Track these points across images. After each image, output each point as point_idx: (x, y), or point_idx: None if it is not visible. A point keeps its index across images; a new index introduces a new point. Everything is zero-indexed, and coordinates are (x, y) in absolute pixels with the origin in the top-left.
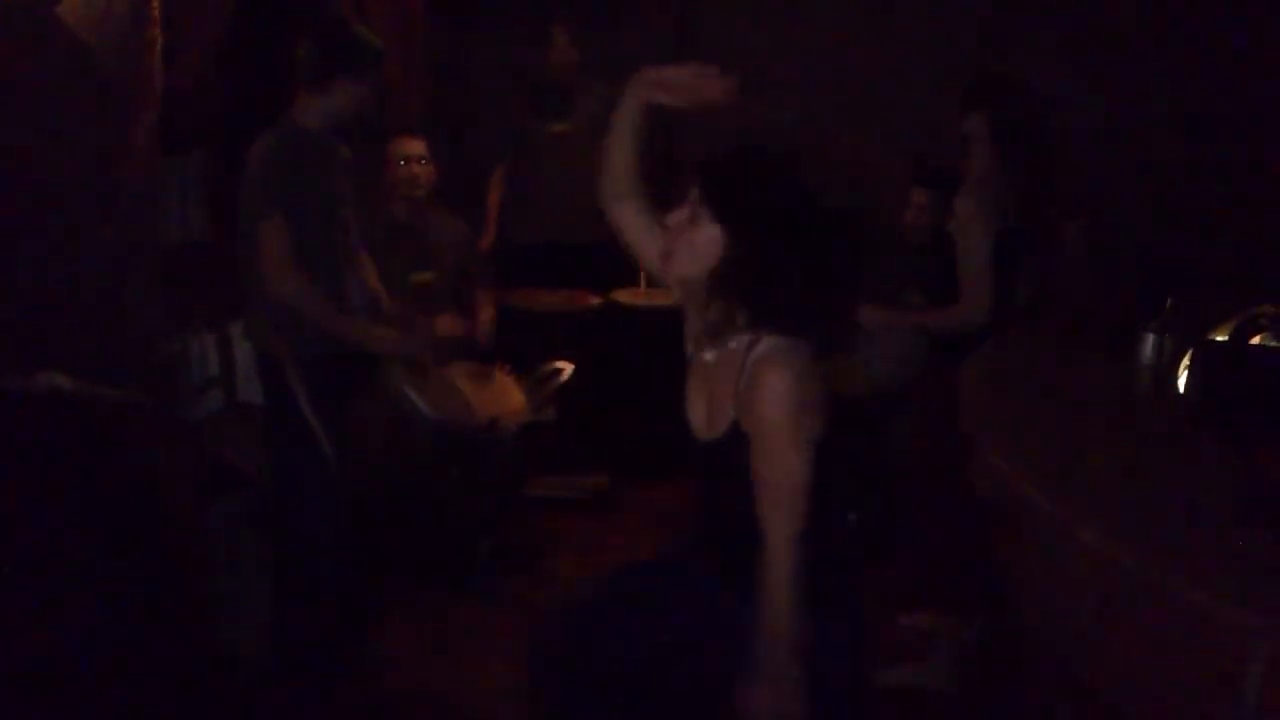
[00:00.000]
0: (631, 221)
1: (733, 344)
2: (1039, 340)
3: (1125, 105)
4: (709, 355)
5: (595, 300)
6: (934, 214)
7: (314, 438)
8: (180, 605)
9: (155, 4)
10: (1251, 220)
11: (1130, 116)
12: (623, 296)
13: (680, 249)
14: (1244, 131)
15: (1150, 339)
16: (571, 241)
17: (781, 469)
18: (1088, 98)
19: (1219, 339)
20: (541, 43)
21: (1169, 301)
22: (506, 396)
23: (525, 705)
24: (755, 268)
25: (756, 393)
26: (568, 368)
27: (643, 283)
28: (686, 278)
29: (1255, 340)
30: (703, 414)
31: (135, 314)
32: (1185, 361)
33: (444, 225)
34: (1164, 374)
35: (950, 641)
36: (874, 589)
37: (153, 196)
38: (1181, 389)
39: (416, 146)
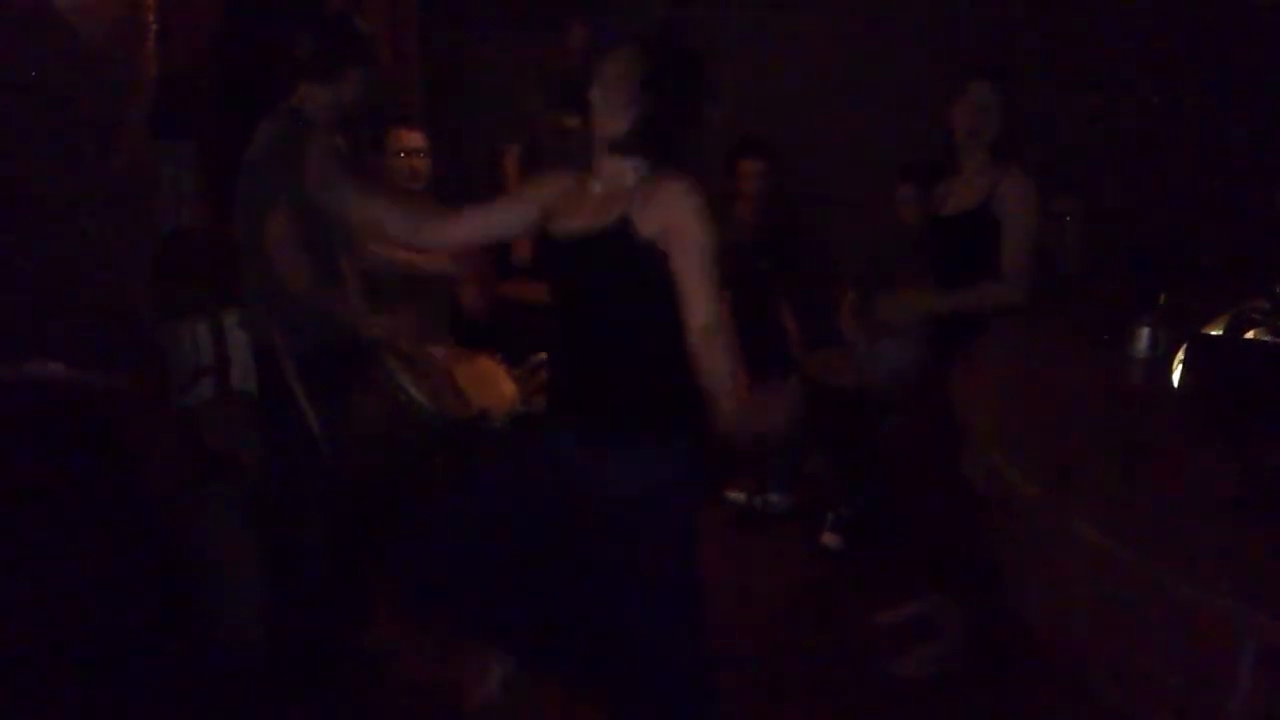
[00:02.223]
0: (498, 230)
1: (617, 177)
2: (1033, 334)
3: (1121, 98)
4: (598, 187)
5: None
6: (922, 206)
7: (309, 427)
8: (172, 595)
9: None
10: (1246, 215)
11: (1125, 109)
12: None
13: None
14: (1240, 126)
15: (1145, 333)
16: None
17: (703, 257)
18: (1084, 90)
19: (1213, 333)
20: (546, 37)
21: (1163, 296)
22: (497, 386)
23: (522, 701)
24: (665, 124)
25: (669, 199)
26: None
27: None
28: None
29: (1249, 334)
30: (577, 224)
31: (128, 302)
32: (1179, 356)
33: None
34: (1158, 368)
35: (952, 624)
36: (865, 578)
37: (146, 184)
38: (1176, 383)
39: (416, 139)
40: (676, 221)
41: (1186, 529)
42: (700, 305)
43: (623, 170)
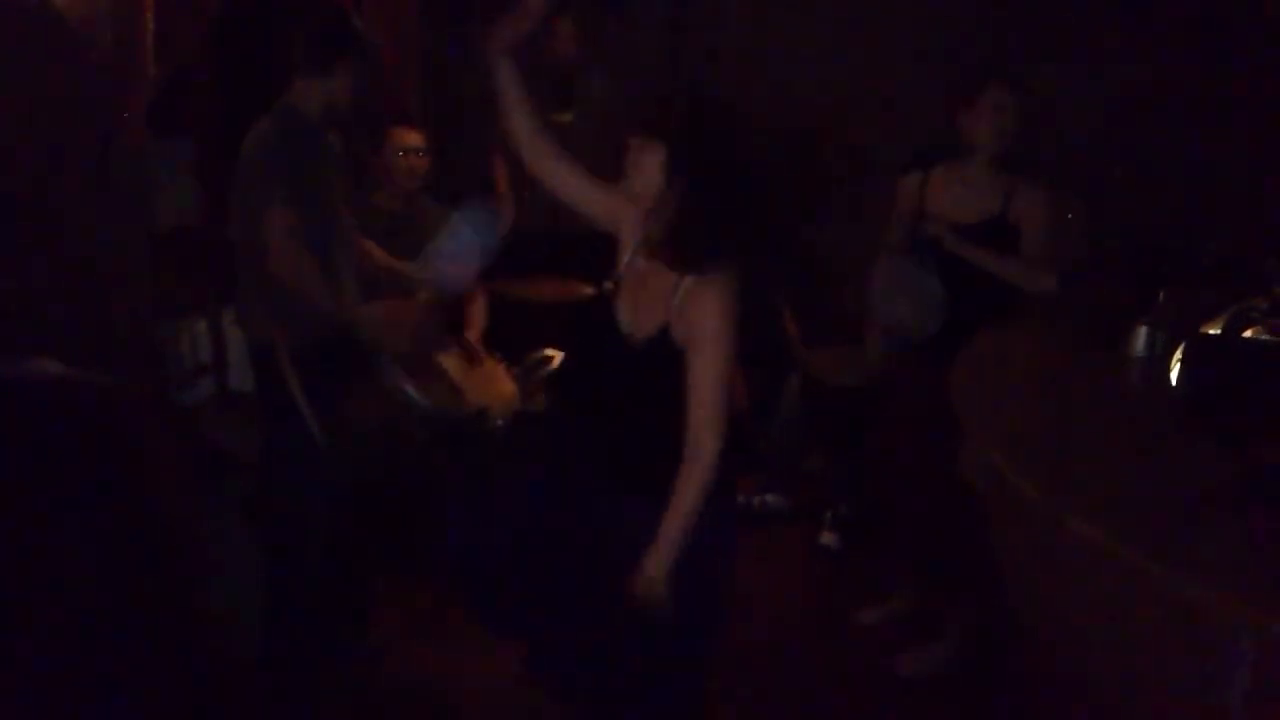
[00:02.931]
0: (566, 178)
1: (665, 280)
2: (1031, 332)
3: (1120, 96)
4: (643, 263)
5: (587, 288)
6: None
7: (306, 425)
8: (170, 593)
9: None
10: (1243, 214)
11: (1124, 108)
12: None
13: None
14: (1238, 125)
15: (1143, 332)
16: (562, 229)
17: (716, 374)
18: (1083, 88)
19: (1211, 332)
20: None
21: (1161, 295)
22: (496, 384)
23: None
24: (702, 222)
25: (699, 306)
26: (558, 356)
27: None
28: (639, 195)
29: (1247, 334)
30: (630, 314)
31: (126, 299)
32: (1177, 355)
33: (433, 216)
34: (1156, 367)
35: (953, 621)
36: (863, 578)
37: (144, 182)
38: (1173, 382)
39: (416, 138)
40: (706, 329)
41: (1185, 527)
42: (705, 405)
43: (662, 274)
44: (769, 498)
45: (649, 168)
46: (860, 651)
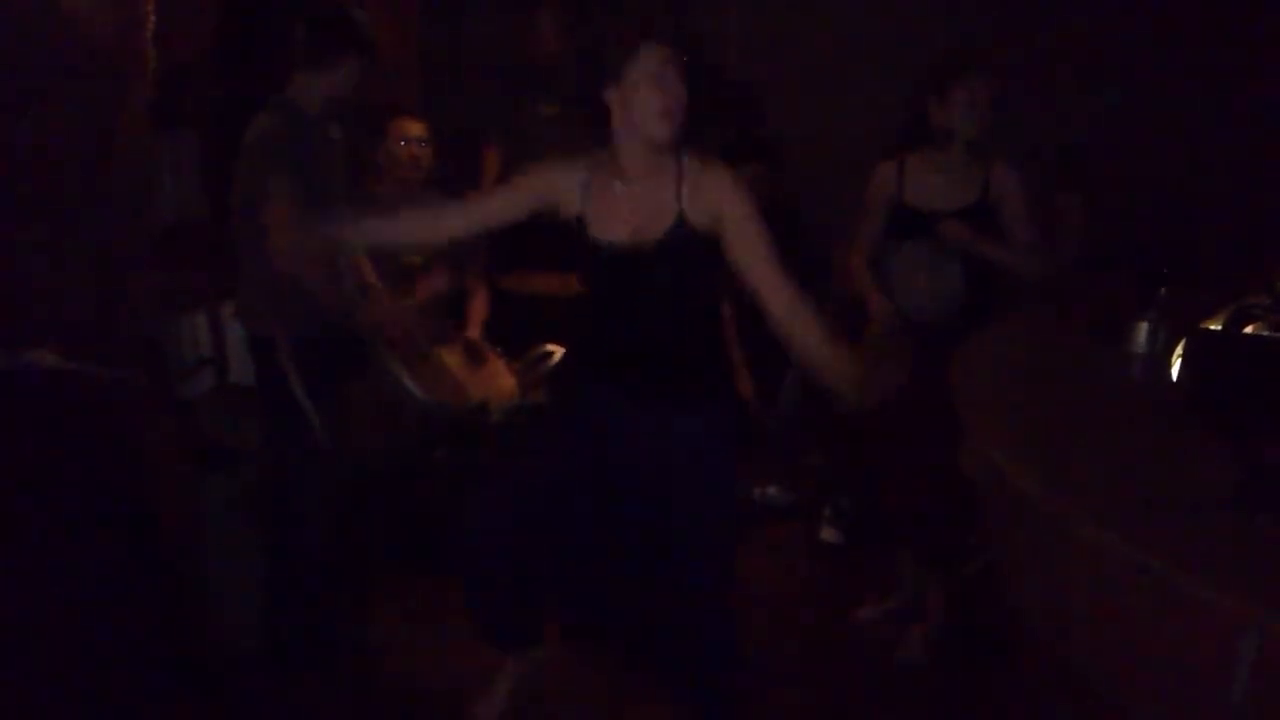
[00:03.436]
0: (484, 220)
1: (652, 165)
2: (1032, 327)
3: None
4: (618, 187)
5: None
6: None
7: (305, 419)
8: (169, 586)
9: None
10: (1245, 209)
11: (1126, 104)
12: None
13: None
14: (1239, 120)
15: (1144, 327)
16: (561, 223)
17: (764, 239)
18: (1085, 86)
19: (1213, 328)
20: (529, 27)
21: (1162, 290)
22: (497, 379)
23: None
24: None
25: (717, 186)
26: (558, 350)
27: None
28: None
29: (1249, 329)
30: (626, 230)
31: (126, 293)
32: (1179, 350)
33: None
34: (1157, 362)
35: (934, 595)
36: (864, 573)
37: (144, 175)
38: (1175, 378)
39: (418, 128)
40: (730, 209)
41: (1186, 525)
42: (777, 285)
43: (664, 165)
44: (770, 491)
45: (671, 78)
46: (860, 647)
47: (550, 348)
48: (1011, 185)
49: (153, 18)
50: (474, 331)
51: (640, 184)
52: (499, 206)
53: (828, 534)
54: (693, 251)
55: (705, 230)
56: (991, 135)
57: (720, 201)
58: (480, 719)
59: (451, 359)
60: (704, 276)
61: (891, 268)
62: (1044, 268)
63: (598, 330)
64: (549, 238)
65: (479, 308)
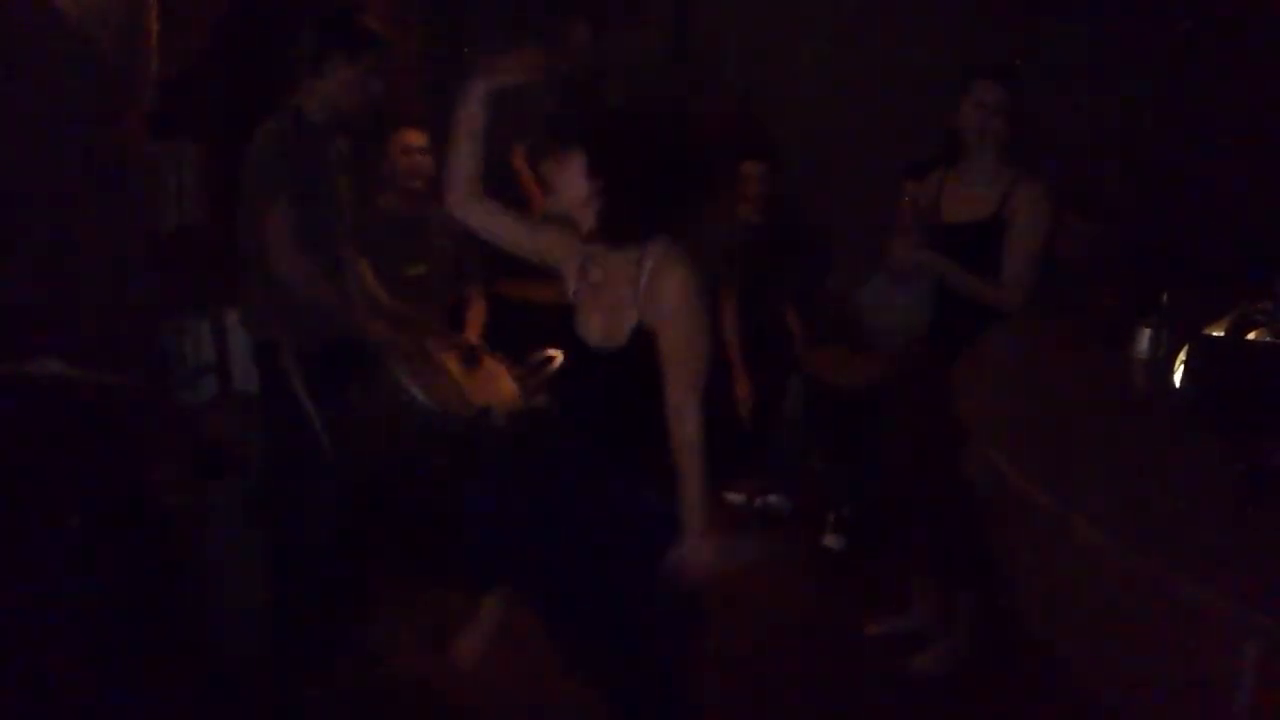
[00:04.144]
0: (489, 217)
1: (620, 258)
2: (1036, 333)
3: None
4: (596, 274)
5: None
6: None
7: (309, 425)
8: (172, 591)
9: None
10: (1248, 215)
11: (1128, 109)
12: None
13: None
14: (1242, 126)
15: (1147, 333)
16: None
17: (692, 348)
18: (1087, 90)
19: (1215, 334)
20: (548, 36)
21: (1165, 296)
22: (497, 384)
23: (521, 697)
24: (635, 198)
25: (664, 286)
26: (559, 356)
27: None
28: (563, 213)
29: (1251, 335)
30: (599, 328)
31: (130, 299)
32: (1181, 356)
33: (438, 218)
34: (1160, 369)
35: (960, 616)
36: (866, 579)
37: (148, 183)
38: (1177, 384)
39: (419, 138)
40: (674, 312)
41: (1187, 530)
42: (681, 382)
43: (620, 260)
44: (772, 499)
45: (573, 175)
46: (863, 653)
47: (551, 352)
48: (1025, 206)
49: (156, 25)
50: (473, 336)
51: (606, 278)
52: (508, 227)
53: (830, 540)
54: (648, 356)
55: (653, 329)
56: (1017, 146)
57: (668, 303)
58: (462, 652)
59: (453, 365)
60: (657, 370)
61: (862, 299)
62: (1015, 304)
63: (563, 411)
64: None
65: (477, 313)
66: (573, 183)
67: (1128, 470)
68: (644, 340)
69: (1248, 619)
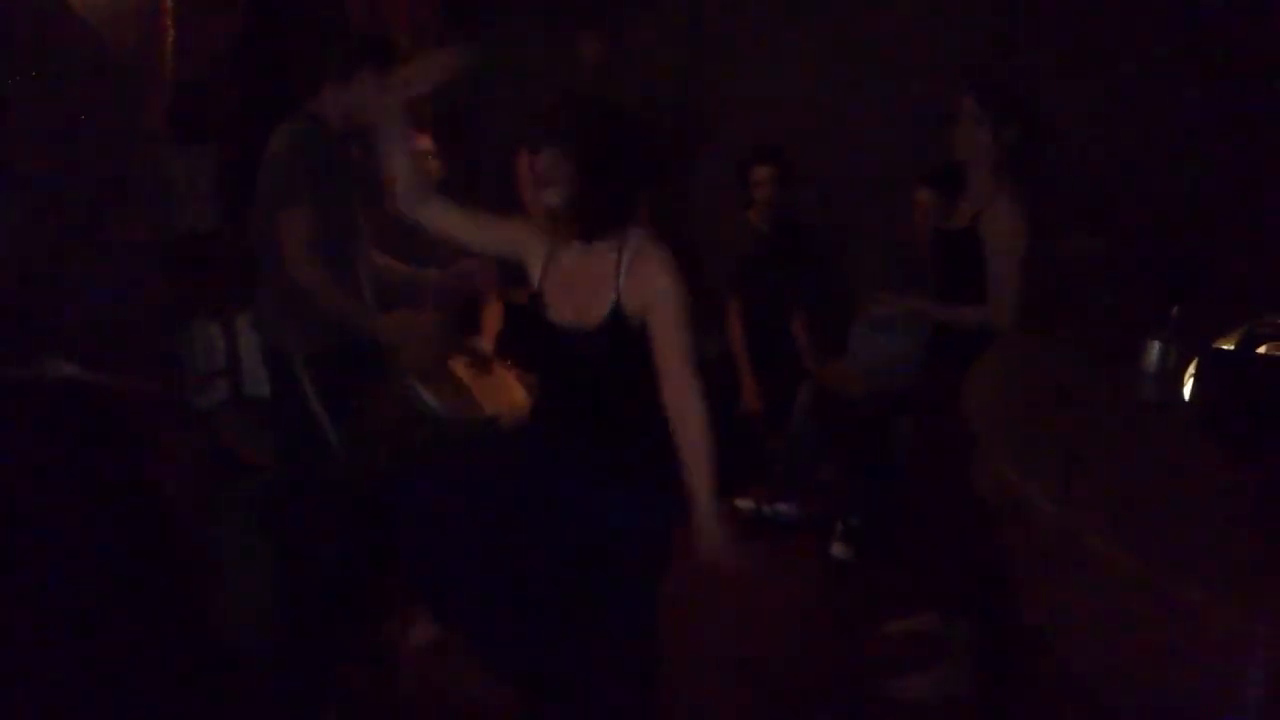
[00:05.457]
0: (441, 216)
1: (596, 247)
2: (1045, 346)
3: (1132, 112)
4: (569, 264)
5: None
6: (939, 215)
7: (320, 430)
8: (182, 594)
9: None
10: (1259, 229)
11: (1137, 124)
12: None
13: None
14: (1252, 140)
15: (1156, 347)
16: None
17: (682, 320)
18: (1094, 105)
19: (1225, 347)
20: (559, 44)
21: (1175, 309)
22: (507, 391)
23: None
24: (609, 190)
25: (650, 271)
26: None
27: None
28: (551, 206)
29: (1261, 349)
30: (572, 312)
31: (142, 303)
32: (1191, 369)
33: None
34: (1170, 382)
35: (959, 641)
36: (875, 589)
37: (161, 187)
38: (1187, 397)
39: (425, 142)
40: (658, 295)
41: (1197, 542)
42: (677, 351)
43: (596, 250)
44: (780, 507)
45: (564, 173)
46: (871, 662)
47: None
48: (991, 224)
49: (172, 30)
50: (486, 342)
51: (581, 261)
52: (479, 231)
53: (839, 549)
54: (626, 340)
55: (635, 316)
56: (1017, 161)
57: (652, 288)
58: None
59: (464, 371)
60: (638, 356)
61: (849, 346)
62: (1000, 322)
63: (540, 403)
64: None
65: (492, 319)
66: (559, 178)
67: (1137, 482)
68: (619, 317)
69: (1256, 631)
